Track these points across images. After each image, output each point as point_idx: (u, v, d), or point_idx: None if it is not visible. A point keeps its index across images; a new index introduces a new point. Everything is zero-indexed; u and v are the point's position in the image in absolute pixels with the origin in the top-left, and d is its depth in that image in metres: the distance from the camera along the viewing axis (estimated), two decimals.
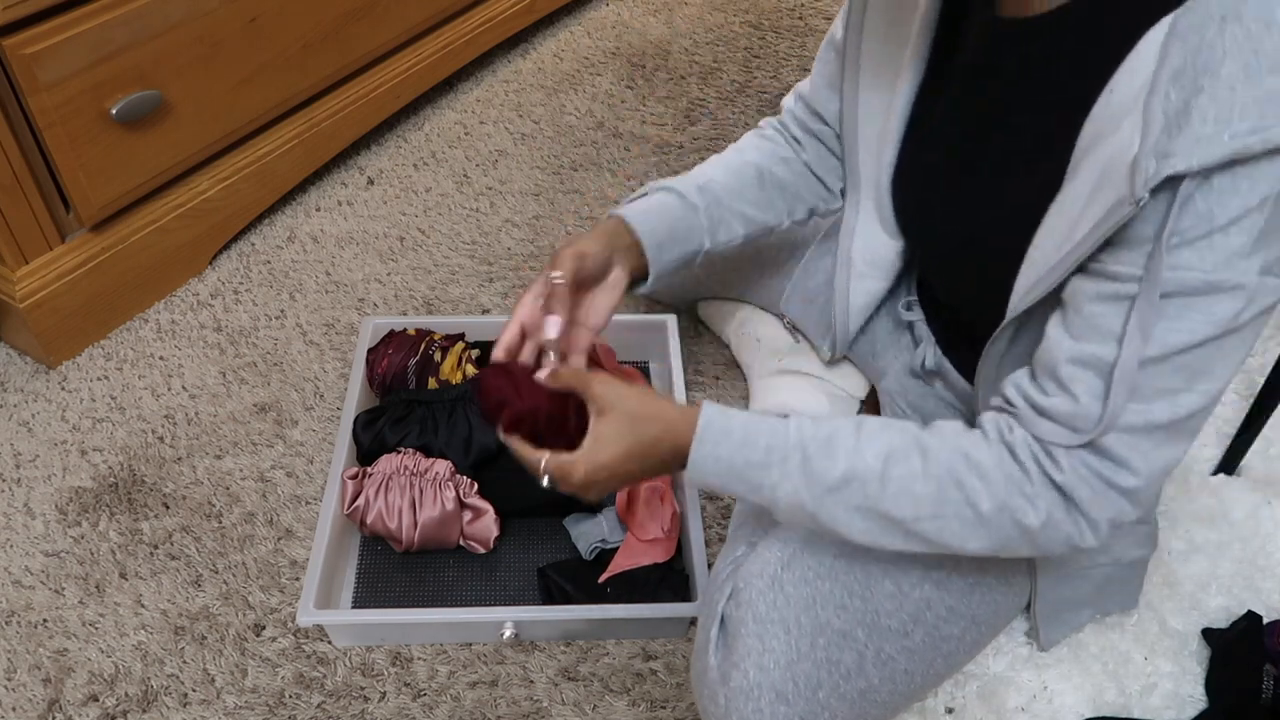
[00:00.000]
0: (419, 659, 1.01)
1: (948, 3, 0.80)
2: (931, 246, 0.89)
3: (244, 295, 1.42)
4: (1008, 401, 0.70)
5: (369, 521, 1.06)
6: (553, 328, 0.82)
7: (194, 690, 0.99)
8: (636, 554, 1.04)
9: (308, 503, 1.16)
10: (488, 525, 1.07)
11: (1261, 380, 1.10)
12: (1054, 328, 0.67)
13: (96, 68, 1.17)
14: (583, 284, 0.87)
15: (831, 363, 1.13)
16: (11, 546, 1.11)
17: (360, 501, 1.05)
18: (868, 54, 0.87)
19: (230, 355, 1.33)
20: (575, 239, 0.86)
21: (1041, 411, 0.67)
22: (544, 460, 0.77)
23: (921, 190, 0.87)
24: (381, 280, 1.44)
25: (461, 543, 1.09)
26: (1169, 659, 1.00)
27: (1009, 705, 0.96)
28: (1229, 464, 1.16)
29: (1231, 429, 1.17)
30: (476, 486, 1.07)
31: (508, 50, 1.93)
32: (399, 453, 1.08)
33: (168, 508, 1.15)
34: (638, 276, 0.92)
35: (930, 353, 0.96)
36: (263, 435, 1.23)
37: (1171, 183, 0.57)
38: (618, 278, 0.89)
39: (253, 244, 1.50)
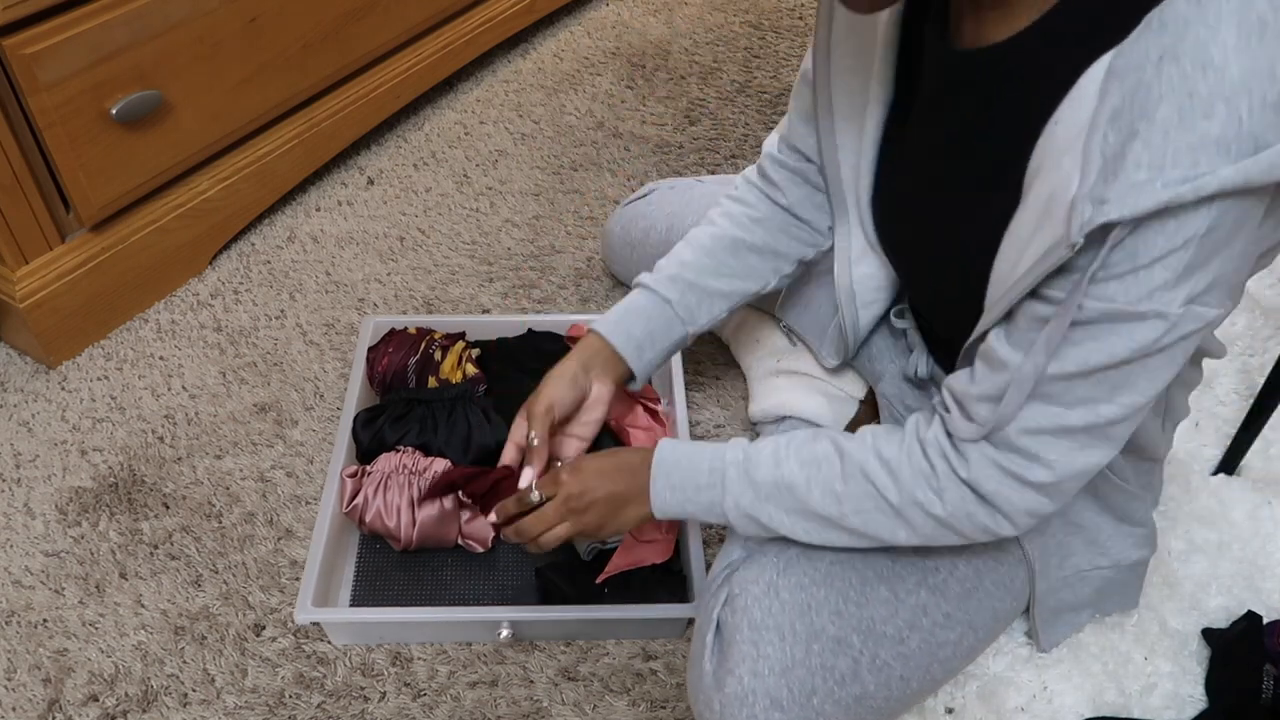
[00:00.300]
0: (419, 659, 1.01)
1: (906, 33, 0.80)
2: (908, 267, 0.90)
3: (244, 295, 1.42)
4: (942, 399, 0.75)
5: (368, 520, 1.05)
6: (526, 479, 0.89)
7: (194, 690, 0.99)
8: (634, 554, 1.04)
9: (308, 502, 1.16)
10: (486, 524, 1.07)
11: (1261, 380, 1.10)
12: (995, 330, 0.69)
13: (96, 68, 1.17)
14: (564, 419, 0.95)
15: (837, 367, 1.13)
16: (11, 546, 1.11)
17: (359, 500, 1.05)
18: (838, 85, 0.87)
19: (230, 355, 1.33)
20: (546, 385, 0.93)
21: (959, 401, 0.72)
22: (531, 479, 0.87)
23: (896, 214, 0.88)
24: (381, 280, 1.44)
25: (460, 542, 1.09)
26: (1169, 659, 1.00)
27: (1009, 705, 0.96)
28: (1229, 464, 1.16)
29: (1231, 429, 1.17)
30: None
31: (508, 50, 1.93)
32: (398, 451, 1.08)
33: (168, 508, 1.15)
34: (627, 378, 0.98)
35: (922, 361, 0.97)
36: (263, 435, 1.23)
37: (1105, 227, 0.57)
38: (599, 394, 0.95)
39: (253, 244, 1.50)
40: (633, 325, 0.96)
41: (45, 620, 1.04)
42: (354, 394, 1.16)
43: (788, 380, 1.15)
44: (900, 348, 1.04)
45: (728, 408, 1.27)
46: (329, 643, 1.03)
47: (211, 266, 1.46)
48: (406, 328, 1.21)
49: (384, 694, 0.99)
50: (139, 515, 1.14)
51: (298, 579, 1.08)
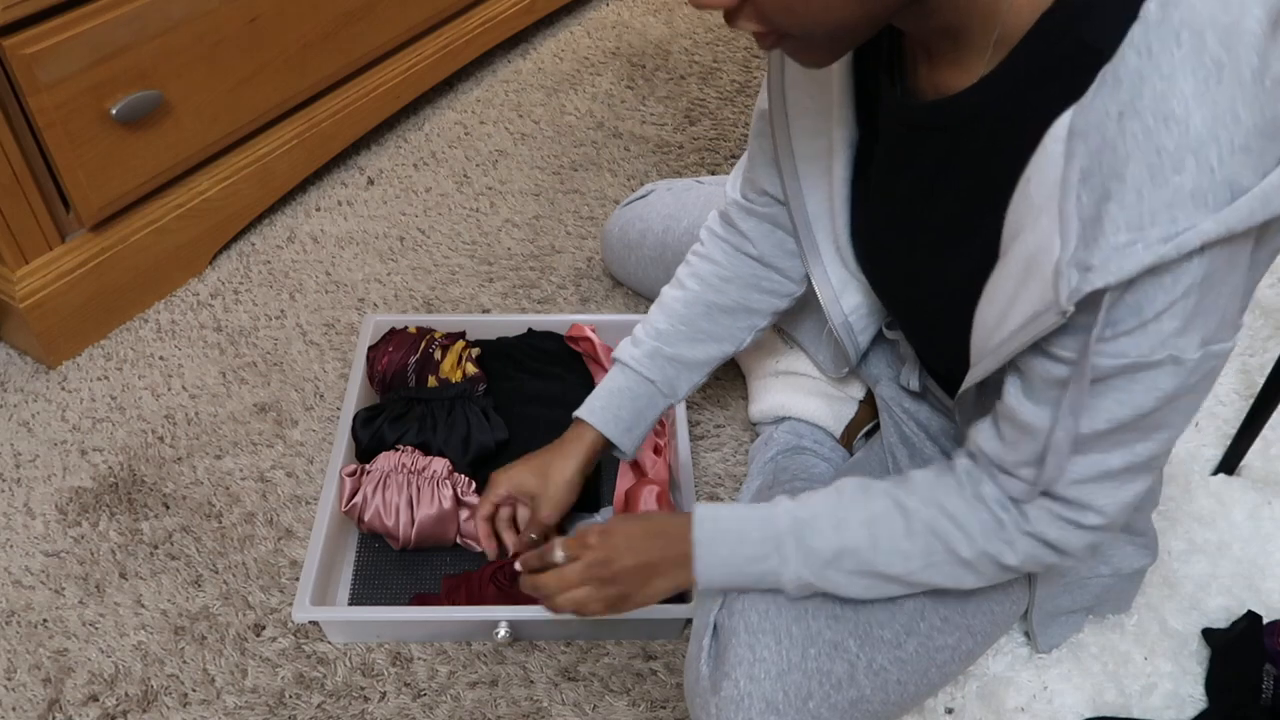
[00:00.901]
0: (419, 659, 1.01)
1: (863, 76, 0.78)
2: (893, 305, 0.89)
3: (244, 295, 1.42)
4: (973, 453, 0.74)
5: (366, 519, 1.06)
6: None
7: (194, 690, 0.99)
8: None
9: (307, 502, 1.16)
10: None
11: (1261, 380, 1.10)
12: (1011, 386, 0.68)
13: (96, 68, 1.17)
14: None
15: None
16: (11, 546, 1.11)
17: (358, 499, 1.05)
18: (798, 128, 0.85)
19: (230, 355, 1.33)
20: (548, 491, 0.96)
21: (1000, 466, 0.71)
22: (557, 542, 0.83)
23: (877, 256, 0.86)
24: (381, 280, 1.44)
25: (459, 541, 1.09)
26: (1169, 659, 1.00)
27: (1009, 705, 0.96)
28: (1229, 464, 1.16)
29: (1231, 429, 1.17)
30: (474, 485, 1.07)
31: (508, 50, 1.93)
32: (397, 450, 1.08)
33: (168, 508, 1.15)
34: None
35: (914, 376, 0.97)
36: (263, 435, 1.23)
37: (1094, 296, 0.57)
38: (575, 483, 0.98)
39: (253, 244, 1.50)
40: (620, 409, 0.98)
41: (45, 620, 1.04)
42: (354, 393, 1.16)
43: (787, 381, 1.15)
44: (895, 355, 1.04)
45: (727, 408, 1.27)
46: (329, 643, 1.03)
47: (211, 266, 1.46)
48: (406, 327, 1.21)
49: (384, 694, 0.99)
50: (139, 515, 1.14)
51: (297, 579, 1.08)
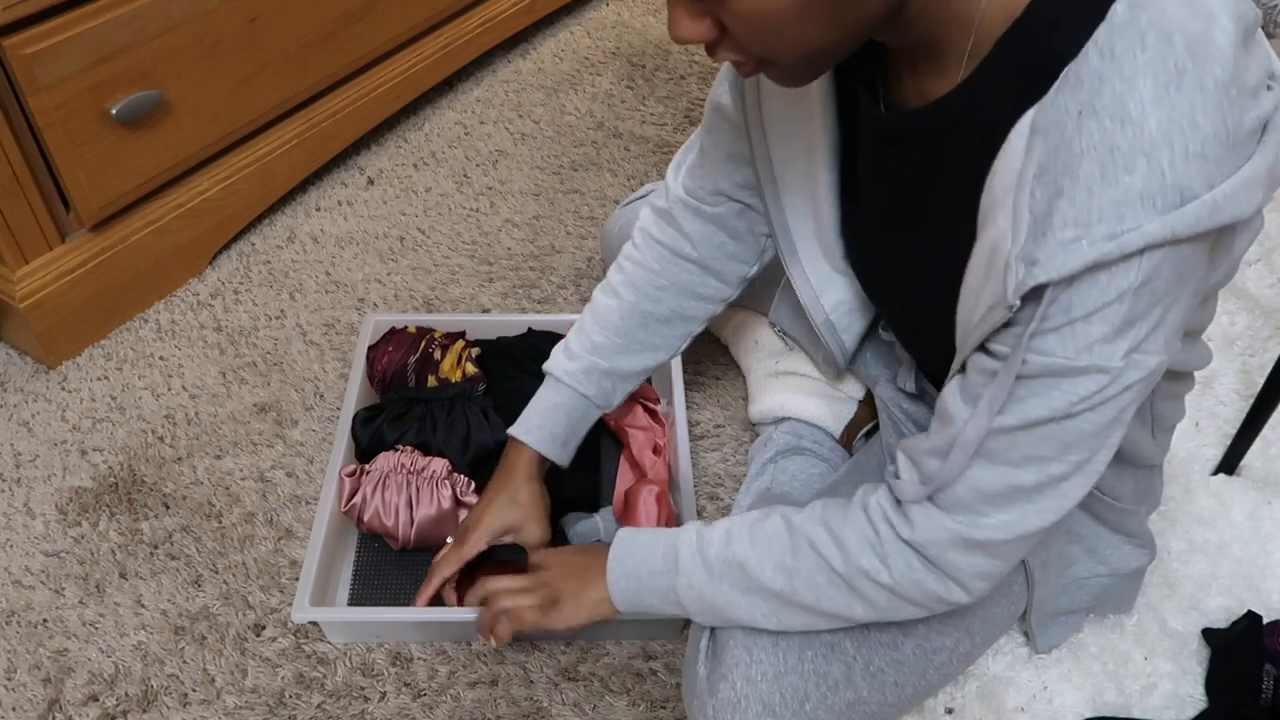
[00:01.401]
0: (419, 659, 1.01)
1: (840, 86, 0.78)
2: (886, 309, 0.89)
3: (244, 295, 1.42)
4: (894, 458, 0.73)
5: (366, 519, 1.06)
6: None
7: (194, 690, 0.99)
8: None
9: (307, 503, 1.16)
10: None
11: (1261, 380, 1.10)
12: (950, 383, 0.68)
13: (96, 68, 1.17)
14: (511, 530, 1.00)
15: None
16: (11, 546, 1.11)
17: (357, 499, 1.05)
18: (776, 133, 0.84)
19: (230, 355, 1.33)
20: (484, 518, 0.98)
21: (912, 458, 0.70)
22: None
23: (868, 259, 0.86)
24: (381, 280, 1.44)
25: None
26: (1169, 659, 1.00)
27: (1009, 705, 0.96)
28: (1229, 464, 1.16)
29: (1231, 429, 1.17)
30: (474, 485, 1.07)
31: (508, 50, 1.93)
32: (397, 450, 1.08)
33: (168, 508, 1.15)
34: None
35: (910, 379, 0.97)
36: (263, 435, 1.23)
37: (1039, 287, 0.57)
38: (532, 493, 0.99)
39: (253, 244, 1.50)
40: (555, 427, 0.99)
41: (45, 620, 1.04)
42: (354, 393, 1.16)
43: (787, 381, 1.15)
44: (892, 357, 1.04)
45: (727, 408, 1.27)
46: (329, 643, 1.03)
47: (211, 266, 1.46)
48: (406, 327, 1.21)
49: (384, 694, 0.99)
50: (139, 515, 1.14)
51: (297, 579, 1.08)
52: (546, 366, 1.00)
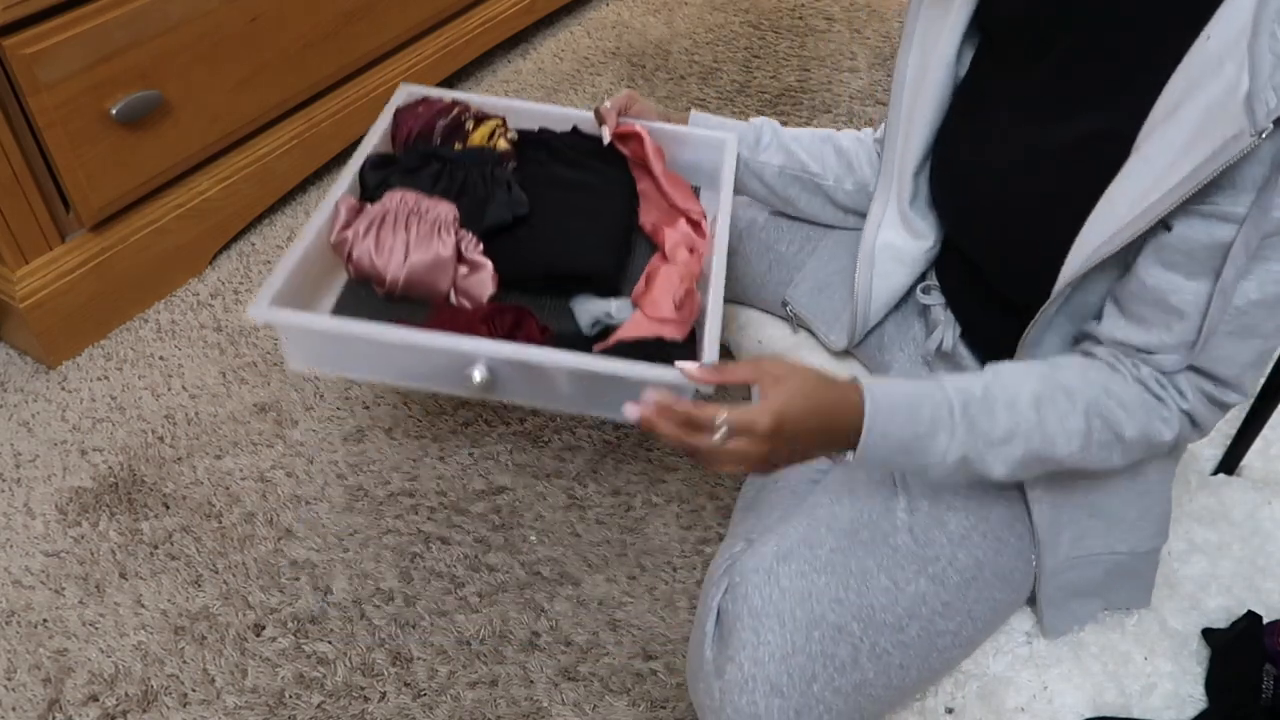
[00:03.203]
0: (419, 659, 1.02)
1: None
2: (977, 214, 0.90)
3: (244, 295, 1.42)
4: (1104, 342, 0.77)
5: (355, 255, 0.94)
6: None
7: (194, 690, 0.99)
8: (642, 329, 0.91)
9: (308, 503, 1.16)
10: (483, 281, 0.95)
11: (1261, 380, 1.10)
12: (1153, 267, 0.71)
13: (96, 68, 1.17)
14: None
15: (839, 355, 1.13)
16: (11, 546, 1.11)
17: (350, 233, 0.93)
18: (923, 18, 0.91)
19: (230, 355, 1.33)
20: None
21: (1148, 348, 0.74)
22: (722, 414, 0.72)
23: (972, 150, 0.88)
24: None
25: (452, 298, 0.96)
26: (1169, 659, 1.00)
27: (1009, 705, 0.96)
28: (1229, 464, 1.16)
29: (1231, 429, 1.17)
30: (481, 246, 0.96)
31: (508, 50, 1.93)
32: (402, 191, 0.97)
33: (168, 508, 1.15)
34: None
35: (949, 335, 0.97)
36: (263, 435, 1.23)
37: None
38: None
39: (253, 244, 1.50)
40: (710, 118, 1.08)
41: (45, 620, 1.04)
42: (369, 146, 1.04)
43: None
44: (913, 333, 1.04)
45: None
46: (329, 643, 1.03)
47: (211, 266, 1.46)
48: (442, 97, 1.09)
49: (384, 694, 0.99)
50: (139, 515, 1.14)
51: (298, 579, 1.08)
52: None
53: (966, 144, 0.89)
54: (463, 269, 0.95)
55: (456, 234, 0.95)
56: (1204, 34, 0.65)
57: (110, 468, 1.19)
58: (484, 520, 1.15)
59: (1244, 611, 1.02)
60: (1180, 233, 0.69)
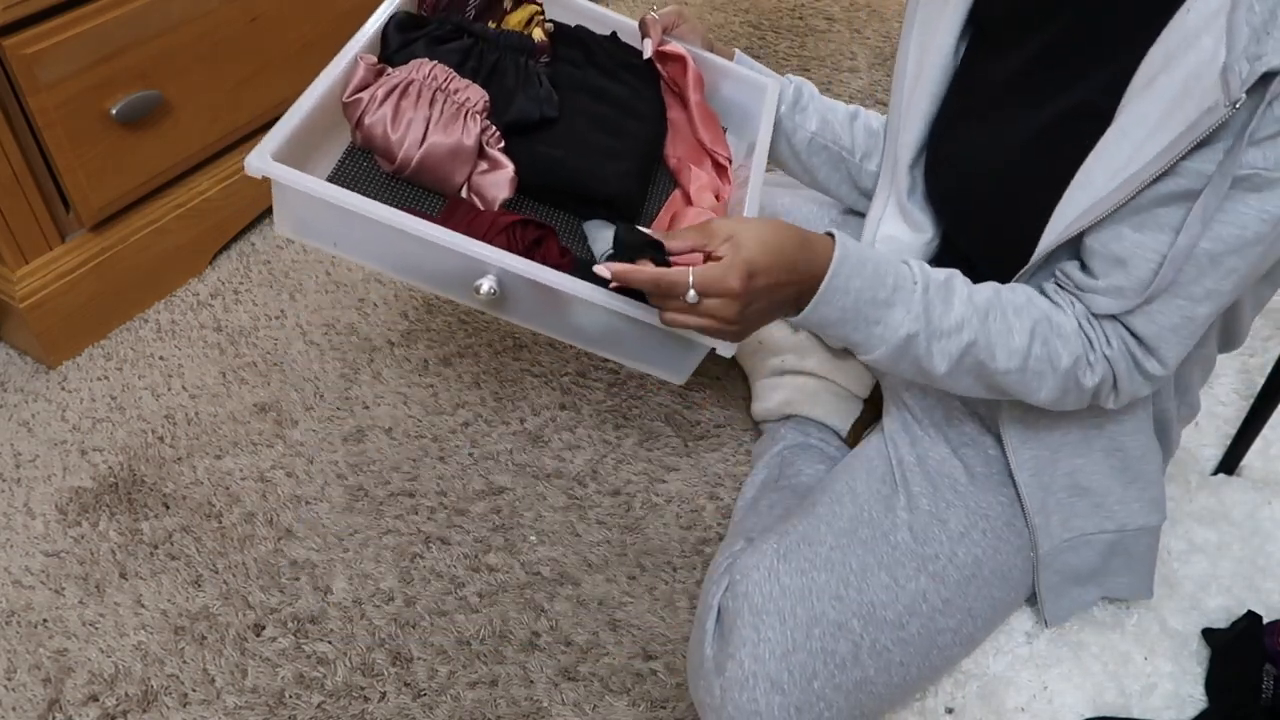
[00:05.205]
0: (419, 659, 1.02)
1: None
2: (962, 200, 0.91)
3: (244, 295, 1.42)
4: (1059, 281, 0.78)
5: (368, 122, 0.85)
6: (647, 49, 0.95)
7: (194, 690, 0.99)
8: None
9: (308, 503, 1.16)
10: (501, 182, 0.88)
11: (1261, 380, 1.10)
12: (1112, 224, 0.72)
13: (96, 68, 1.17)
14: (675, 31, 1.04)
15: (839, 353, 1.13)
16: (11, 546, 1.11)
17: (366, 95, 0.85)
18: (921, 12, 0.92)
19: (230, 355, 1.33)
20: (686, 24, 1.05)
21: (1094, 290, 0.75)
22: (690, 273, 0.70)
23: (960, 139, 0.89)
24: (381, 280, 1.44)
25: (464, 193, 0.90)
26: (1169, 659, 1.00)
27: (1009, 705, 0.96)
28: (1229, 464, 1.17)
29: (1231, 429, 1.18)
30: (504, 143, 0.90)
31: None
32: (432, 63, 0.89)
33: (168, 508, 1.15)
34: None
35: None
36: (263, 435, 1.23)
37: (1264, 82, 0.61)
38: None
39: (253, 244, 1.50)
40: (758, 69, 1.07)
41: (45, 620, 1.04)
42: (389, 9, 0.95)
43: (792, 379, 1.15)
44: None
45: (727, 408, 1.27)
46: (329, 643, 1.03)
47: (211, 266, 1.46)
48: None
49: (384, 694, 0.99)
50: (139, 515, 1.14)
51: (298, 579, 1.08)
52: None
53: (956, 133, 0.90)
54: (481, 164, 0.88)
55: (482, 124, 0.88)
56: (1184, 7, 0.66)
57: (110, 468, 1.19)
58: (484, 520, 1.15)
59: (1244, 611, 1.02)
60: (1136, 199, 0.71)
